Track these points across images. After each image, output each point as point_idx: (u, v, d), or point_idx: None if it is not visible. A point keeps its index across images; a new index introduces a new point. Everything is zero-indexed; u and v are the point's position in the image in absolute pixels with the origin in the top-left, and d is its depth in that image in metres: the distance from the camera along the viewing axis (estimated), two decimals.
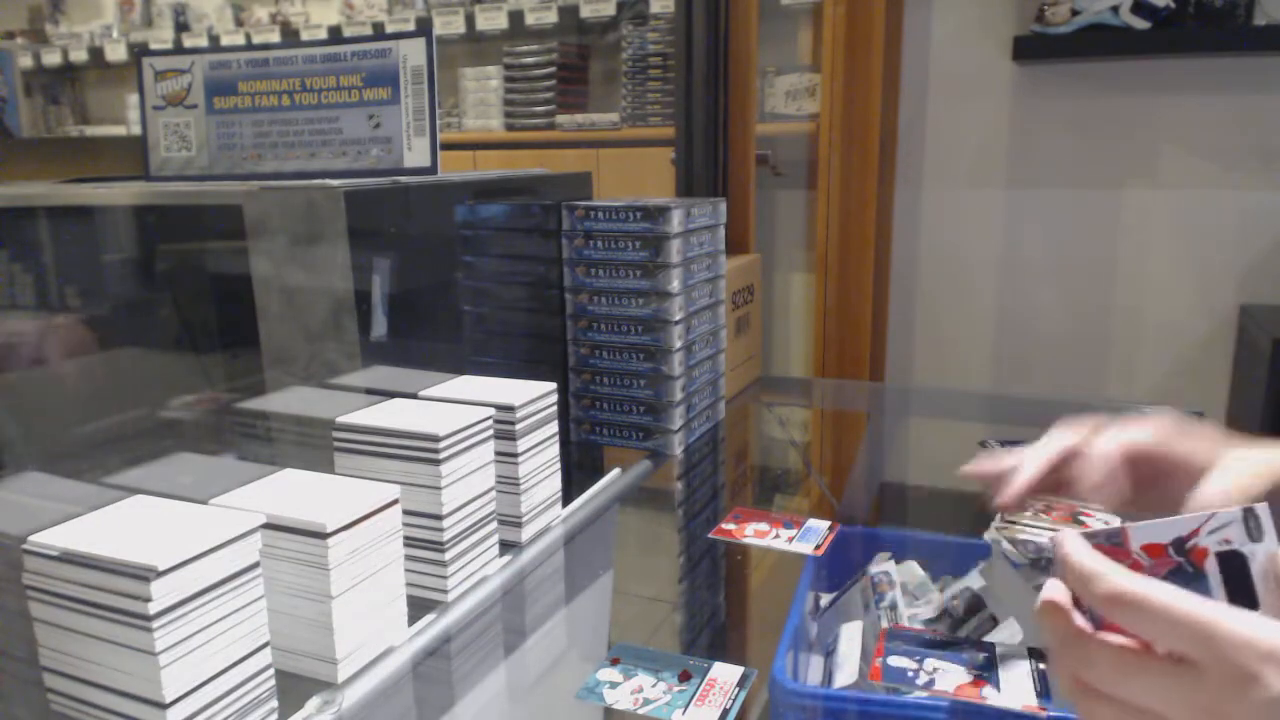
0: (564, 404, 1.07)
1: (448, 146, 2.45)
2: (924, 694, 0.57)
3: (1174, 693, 0.37)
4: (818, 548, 0.81)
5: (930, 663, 0.60)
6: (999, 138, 2.15)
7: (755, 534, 0.84)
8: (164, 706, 0.48)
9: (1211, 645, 0.36)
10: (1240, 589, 0.40)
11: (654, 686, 0.61)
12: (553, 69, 2.76)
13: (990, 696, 0.56)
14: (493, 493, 0.73)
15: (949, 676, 0.58)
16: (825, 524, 0.85)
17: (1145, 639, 0.39)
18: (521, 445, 0.77)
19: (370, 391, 0.80)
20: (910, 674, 0.59)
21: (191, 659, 0.49)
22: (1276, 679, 0.35)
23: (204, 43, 3.44)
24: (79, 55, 3.74)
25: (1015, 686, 0.56)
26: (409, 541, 0.66)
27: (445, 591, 0.69)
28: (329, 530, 0.56)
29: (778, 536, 0.84)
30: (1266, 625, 0.37)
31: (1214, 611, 0.37)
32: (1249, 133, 1.94)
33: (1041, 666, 0.58)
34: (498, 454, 0.74)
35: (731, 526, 0.86)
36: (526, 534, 0.79)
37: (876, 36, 1.91)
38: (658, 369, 1.02)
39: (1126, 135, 2.04)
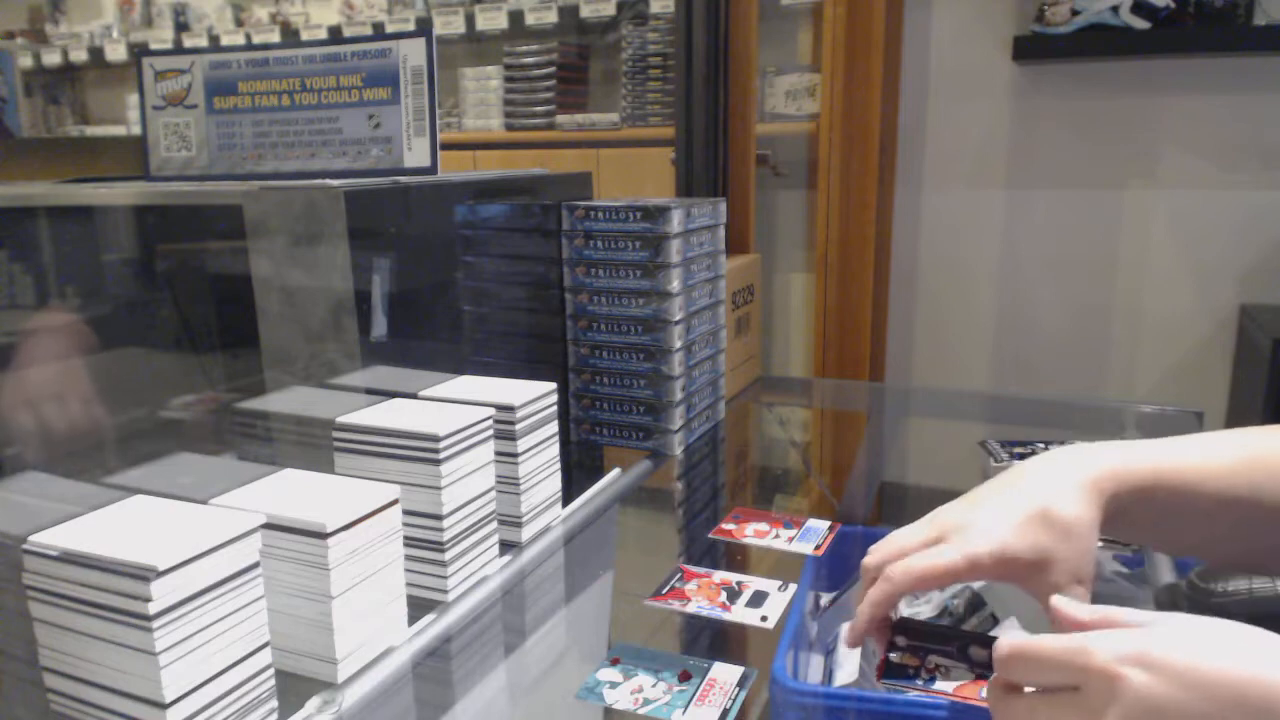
0: (564, 404, 1.07)
1: (448, 146, 2.45)
2: (921, 693, 0.57)
3: (1068, 715, 0.43)
4: (817, 548, 0.81)
5: (933, 659, 0.59)
6: (999, 138, 2.15)
7: (755, 534, 0.84)
8: (164, 706, 0.48)
9: (1078, 667, 0.43)
10: None
11: (654, 686, 0.61)
12: (553, 69, 2.76)
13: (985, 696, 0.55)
14: (493, 493, 0.73)
15: (951, 675, 0.58)
16: (825, 524, 0.85)
17: (1041, 685, 0.46)
18: (521, 445, 0.77)
19: (370, 391, 0.80)
20: (911, 671, 0.59)
21: (191, 659, 0.49)
22: (1138, 675, 0.41)
23: (204, 43, 3.44)
24: (79, 55, 3.74)
25: None
26: (409, 541, 0.66)
27: (445, 591, 0.69)
28: (329, 530, 0.56)
29: (778, 536, 0.84)
30: (1115, 637, 0.43)
31: (1074, 640, 0.44)
32: (1249, 133, 1.94)
33: None
34: (498, 454, 0.74)
35: (731, 526, 0.86)
36: (526, 534, 0.79)
37: (876, 36, 1.91)
38: (658, 369, 1.02)
39: (1126, 135, 2.04)
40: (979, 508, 0.60)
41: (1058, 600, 0.49)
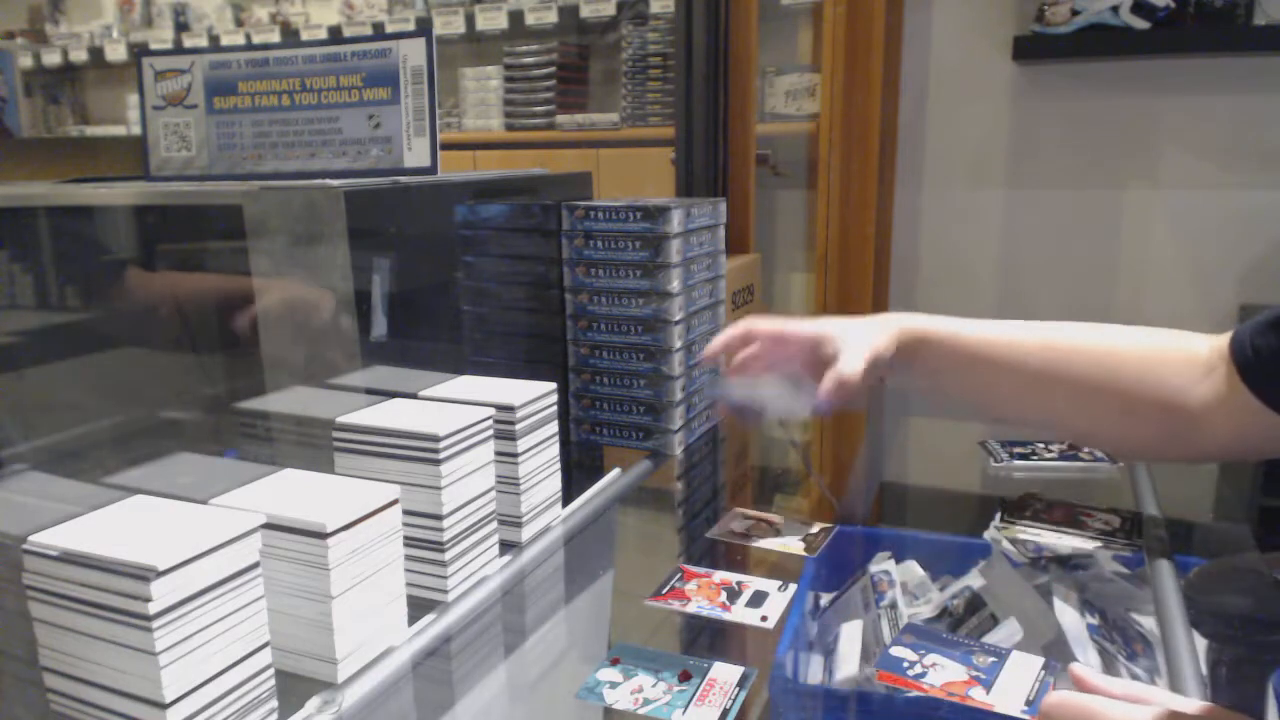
0: (564, 404, 1.07)
1: (448, 146, 2.45)
2: (910, 685, 0.57)
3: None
4: (809, 548, 0.81)
5: (931, 657, 0.60)
6: (999, 138, 2.15)
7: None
8: (164, 706, 0.48)
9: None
10: None
11: (654, 686, 0.61)
12: (553, 69, 2.76)
13: (975, 695, 0.55)
14: (493, 493, 0.73)
15: (943, 672, 0.58)
16: (817, 526, 0.85)
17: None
18: (521, 445, 0.77)
19: (370, 391, 0.80)
20: (906, 664, 0.59)
21: (191, 659, 0.49)
22: None
23: (204, 43, 3.44)
24: (79, 55, 3.74)
25: (1008, 692, 0.56)
26: (409, 541, 0.66)
27: (445, 591, 0.69)
28: (329, 530, 0.56)
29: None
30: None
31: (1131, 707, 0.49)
32: (1249, 133, 1.94)
33: (1046, 677, 0.58)
34: (498, 454, 0.74)
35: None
36: (526, 534, 0.79)
37: (876, 36, 1.91)
38: (658, 369, 1.02)
39: (1126, 135, 2.04)
40: (825, 318, 0.85)
41: (1078, 669, 0.53)
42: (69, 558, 0.49)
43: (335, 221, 0.84)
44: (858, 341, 0.78)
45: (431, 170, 0.97)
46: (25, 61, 3.78)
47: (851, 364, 0.76)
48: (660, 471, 1.02)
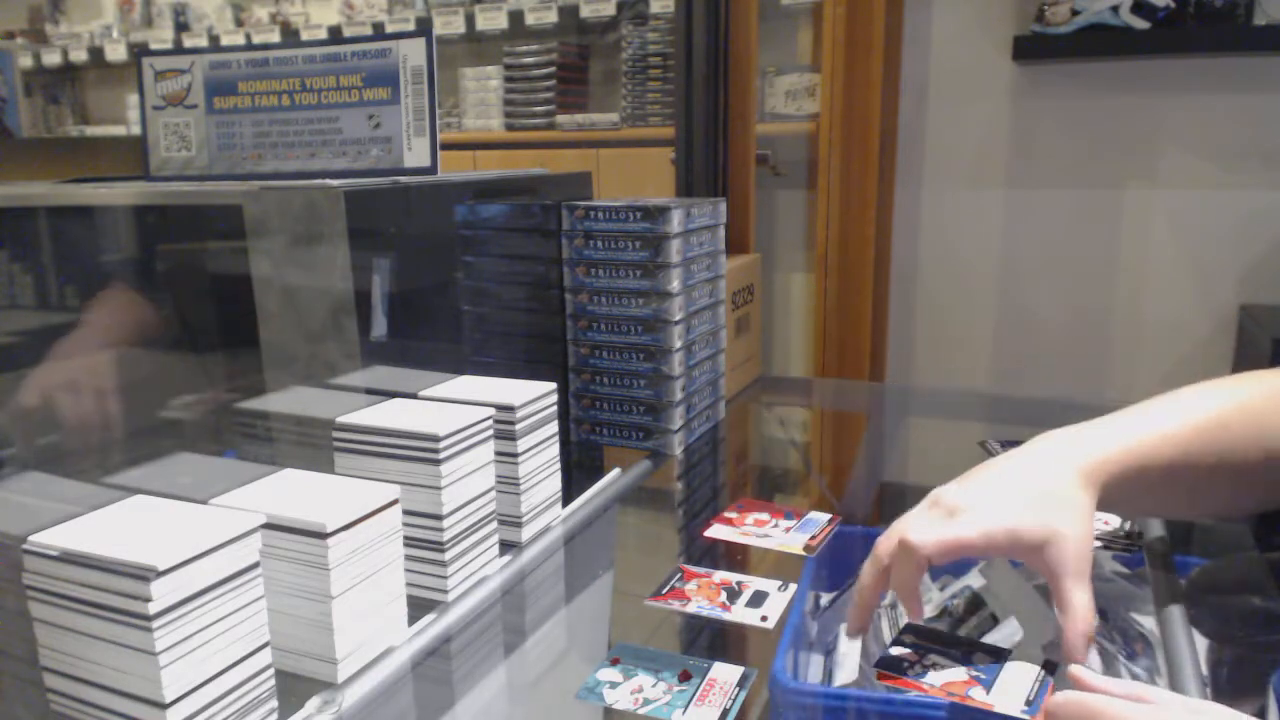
0: (564, 404, 1.07)
1: (448, 146, 2.46)
2: (910, 686, 0.57)
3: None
4: (813, 538, 0.81)
5: (931, 657, 0.60)
6: (999, 138, 2.15)
7: (755, 523, 0.84)
8: (164, 706, 0.48)
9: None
10: None
11: (654, 686, 0.61)
12: (553, 69, 2.76)
13: (975, 696, 0.55)
14: (493, 493, 0.73)
15: (943, 672, 0.58)
16: (825, 516, 0.85)
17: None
18: (521, 445, 0.77)
19: (370, 391, 0.80)
20: (906, 664, 0.59)
21: (191, 659, 0.49)
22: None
23: (204, 43, 3.44)
24: (79, 55, 3.74)
25: (1008, 692, 0.56)
26: (409, 541, 0.66)
27: (445, 591, 0.69)
28: (329, 530, 0.56)
29: (776, 525, 0.84)
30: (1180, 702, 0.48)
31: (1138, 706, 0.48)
32: (1249, 133, 1.94)
33: (1046, 677, 0.58)
34: (498, 454, 0.74)
35: (733, 515, 0.86)
36: (526, 534, 0.79)
37: (876, 36, 1.91)
38: (658, 369, 1.02)
39: (1126, 135, 2.04)
40: (983, 488, 0.61)
41: (1077, 670, 0.51)
42: (69, 558, 0.49)
43: (335, 221, 0.84)
44: (1075, 569, 0.57)
45: (431, 170, 0.97)
46: (25, 61, 3.78)
47: (1083, 615, 0.56)
48: (660, 471, 1.02)
